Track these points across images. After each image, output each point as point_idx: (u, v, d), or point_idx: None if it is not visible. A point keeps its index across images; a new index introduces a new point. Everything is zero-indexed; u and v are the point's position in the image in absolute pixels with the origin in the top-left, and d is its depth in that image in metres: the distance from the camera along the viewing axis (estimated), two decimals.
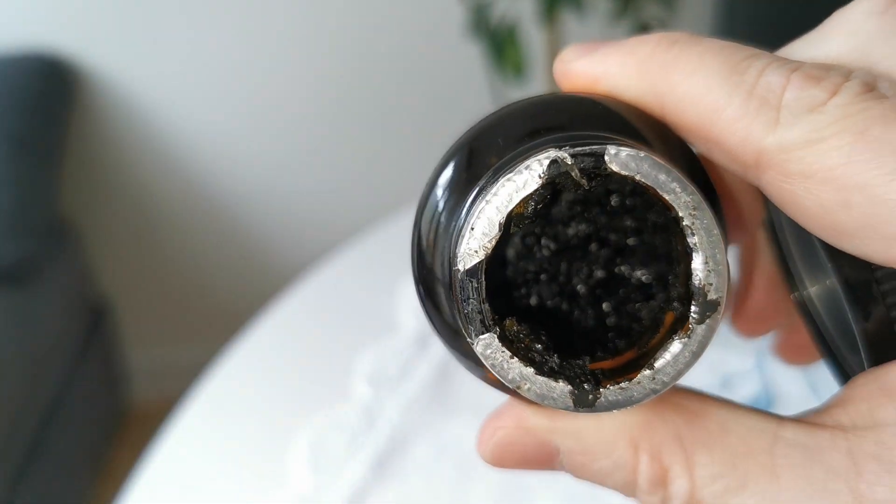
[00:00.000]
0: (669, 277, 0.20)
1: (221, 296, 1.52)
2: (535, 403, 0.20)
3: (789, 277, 0.26)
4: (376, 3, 1.31)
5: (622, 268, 0.22)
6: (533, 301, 0.22)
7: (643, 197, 0.20)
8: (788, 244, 0.26)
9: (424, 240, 0.22)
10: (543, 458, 0.22)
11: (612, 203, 0.22)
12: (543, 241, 0.22)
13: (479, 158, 0.22)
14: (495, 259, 0.21)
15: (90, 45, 1.28)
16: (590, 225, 0.22)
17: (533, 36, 1.19)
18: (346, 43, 1.34)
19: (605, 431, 0.21)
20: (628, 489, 0.21)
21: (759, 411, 0.21)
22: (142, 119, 1.35)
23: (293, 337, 0.76)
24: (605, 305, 0.22)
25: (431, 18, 1.31)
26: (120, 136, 1.36)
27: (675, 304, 0.20)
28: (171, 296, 1.53)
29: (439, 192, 0.22)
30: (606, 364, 0.21)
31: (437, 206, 0.22)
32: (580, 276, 0.22)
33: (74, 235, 1.32)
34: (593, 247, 0.22)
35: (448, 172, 0.22)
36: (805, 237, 0.24)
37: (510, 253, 0.22)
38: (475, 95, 1.29)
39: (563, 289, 0.22)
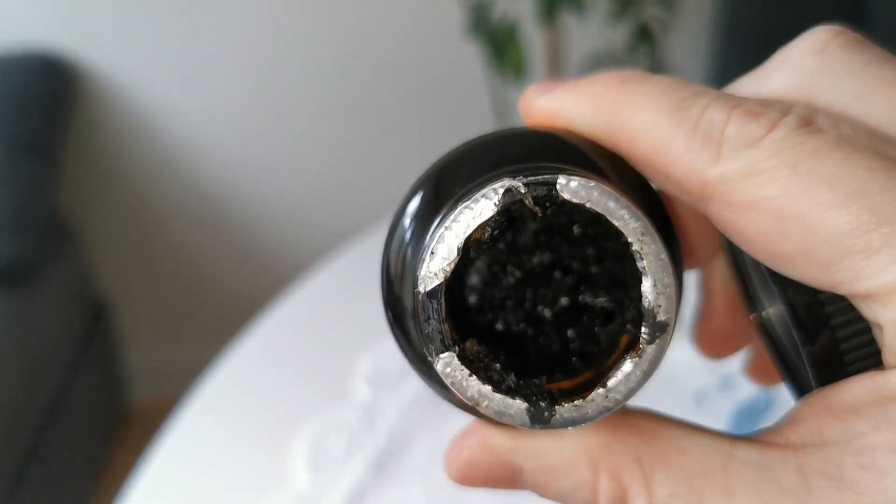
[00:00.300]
0: (625, 301, 0.21)
1: (221, 296, 1.52)
2: (497, 423, 0.21)
3: (749, 299, 0.27)
4: (376, 3, 1.31)
5: (584, 294, 0.23)
6: (498, 326, 0.23)
7: (602, 226, 0.21)
8: (746, 267, 0.27)
9: (392, 268, 0.24)
10: (507, 477, 0.23)
11: (574, 232, 0.23)
12: (508, 268, 0.23)
13: (443, 189, 0.23)
14: (458, 283, 0.23)
15: (90, 45, 1.28)
16: (553, 253, 0.23)
17: (533, 36, 1.19)
18: (346, 43, 1.34)
19: (566, 452, 0.22)
20: None
21: (714, 432, 0.22)
22: (142, 119, 1.35)
23: (293, 337, 0.76)
24: (567, 330, 0.23)
25: (431, 18, 1.31)
26: (120, 136, 1.36)
27: (629, 326, 0.21)
28: (171, 296, 1.53)
29: (406, 221, 0.24)
30: (564, 384, 0.21)
31: (404, 236, 0.23)
32: (543, 302, 0.23)
33: (74, 235, 1.32)
34: (556, 274, 0.23)
35: (415, 203, 0.24)
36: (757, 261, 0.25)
37: (476, 280, 0.24)
38: (475, 95, 1.29)
39: (526, 314, 0.23)
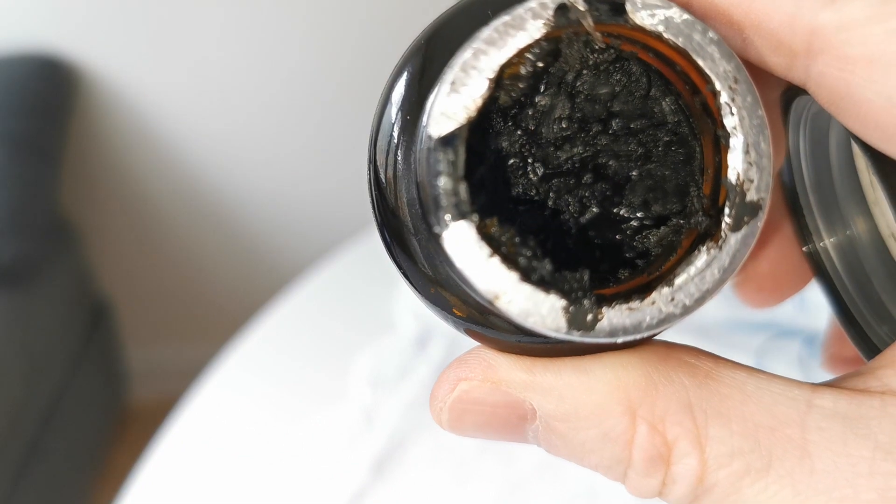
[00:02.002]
0: (690, 187, 0.16)
1: (221, 296, 1.52)
2: (507, 346, 0.16)
3: (803, 230, 0.23)
4: (376, 3, 1.31)
5: (643, 169, 0.17)
6: (525, 206, 0.18)
7: (674, 74, 0.16)
8: (806, 192, 0.23)
9: (383, 173, 0.18)
10: (513, 423, 0.18)
11: (639, 79, 0.17)
12: (547, 126, 0.17)
13: (447, 48, 0.17)
14: (478, 141, 0.16)
15: (90, 46, 1.28)
16: (608, 107, 0.17)
17: None
18: (345, 43, 1.34)
19: (596, 392, 0.17)
20: (617, 469, 0.17)
21: (785, 378, 0.17)
22: (142, 119, 1.35)
23: (292, 337, 0.76)
24: (617, 219, 0.18)
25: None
26: (120, 136, 1.36)
27: (699, 217, 0.16)
28: (171, 296, 1.53)
29: (394, 108, 0.18)
30: (609, 291, 0.16)
31: (393, 128, 0.18)
32: (588, 179, 0.18)
33: (74, 235, 1.32)
34: (608, 139, 0.17)
35: (405, 79, 0.18)
36: (825, 182, 0.21)
37: (502, 138, 0.17)
38: None
39: (564, 191, 0.18)
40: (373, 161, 0.18)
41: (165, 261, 1.49)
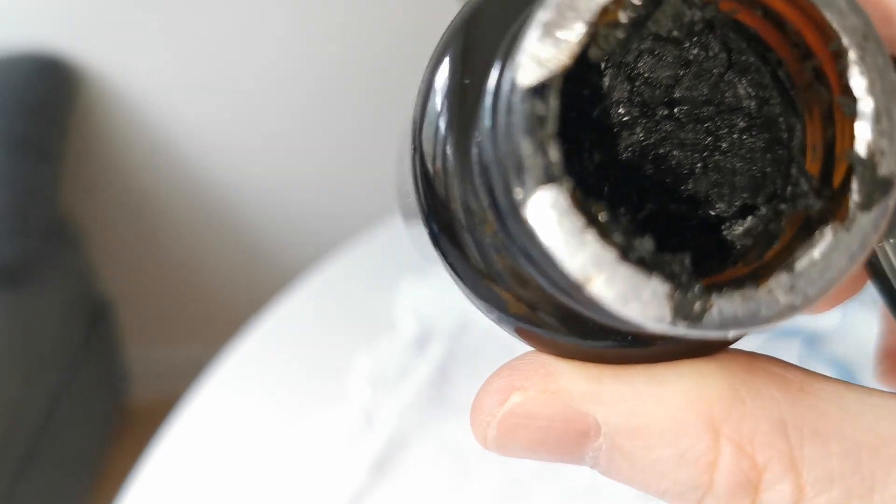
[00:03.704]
0: (791, 168, 0.14)
1: (221, 296, 1.52)
2: (568, 353, 0.14)
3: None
4: (376, 3, 1.31)
5: (750, 140, 0.15)
6: (615, 175, 0.16)
7: (793, 29, 0.14)
8: None
9: (430, 164, 0.16)
10: (571, 441, 0.15)
11: (754, 35, 0.15)
12: (643, 88, 0.16)
13: (509, 13, 0.15)
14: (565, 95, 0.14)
15: (90, 45, 1.28)
16: (718, 70, 0.15)
17: None
18: (345, 43, 1.34)
19: (672, 405, 0.14)
20: (691, 496, 0.15)
21: (884, 391, 0.15)
22: (142, 119, 1.35)
23: (292, 337, 0.76)
24: (720, 196, 0.16)
25: (430, 19, 1.31)
26: (120, 136, 1.36)
27: (809, 199, 0.14)
28: (171, 296, 1.53)
29: (442, 93, 0.16)
30: (711, 279, 0.14)
31: (441, 114, 0.16)
32: (686, 149, 0.16)
33: (74, 235, 1.32)
34: (713, 107, 0.16)
35: (452, 58, 0.16)
36: None
37: (597, 94, 0.15)
38: None
39: (662, 163, 0.16)
40: (419, 151, 0.17)
41: (165, 261, 1.49)
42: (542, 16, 0.13)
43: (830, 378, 0.15)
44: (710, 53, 0.15)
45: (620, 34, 0.13)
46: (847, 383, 0.15)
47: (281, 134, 1.41)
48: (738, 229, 0.15)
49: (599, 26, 0.13)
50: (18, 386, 1.07)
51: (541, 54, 0.13)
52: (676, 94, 0.16)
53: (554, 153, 0.13)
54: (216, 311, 1.47)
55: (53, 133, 1.20)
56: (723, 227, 0.16)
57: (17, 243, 1.08)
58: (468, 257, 0.16)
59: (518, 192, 0.13)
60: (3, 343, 1.05)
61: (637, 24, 0.14)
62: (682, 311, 0.13)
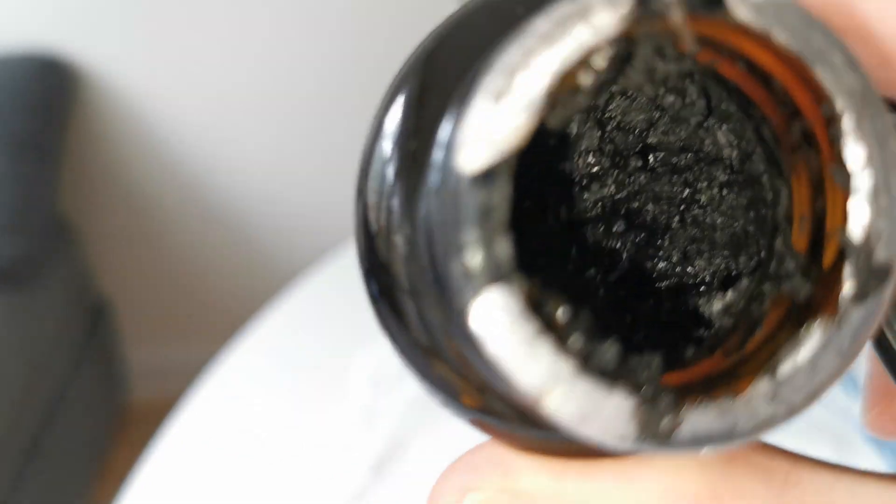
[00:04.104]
0: (775, 239, 0.13)
1: (221, 296, 1.51)
2: (531, 447, 0.13)
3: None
4: (375, 3, 1.31)
5: (727, 214, 0.14)
6: (572, 260, 0.14)
7: (782, 89, 0.12)
8: None
9: (374, 218, 0.14)
10: None
11: (735, 94, 0.13)
12: (609, 153, 0.14)
13: (467, 58, 0.13)
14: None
15: (90, 45, 1.28)
16: (692, 133, 0.14)
17: None
18: (345, 43, 1.34)
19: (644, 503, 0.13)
20: None
21: (877, 475, 0.14)
22: (142, 119, 1.35)
23: (293, 336, 0.76)
24: (685, 278, 0.14)
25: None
26: (120, 136, 1.36)
27: (797, 281, 0.12)
28: (171, 296, 1.53)
29: (391, 138, 0.14)
30: (672, 378, 0.12)
31: (389, 163, 0.14)
32: (608, 247, 0.14)
33: (74, 235, 1.32)
34: (690, 173, 0.14)
35: (406, 100, 0.14)
36: None
37: (557, 168, 0.14)
38: None
39: (577, 265, 0.14)
40: (362, 201, 0.15)
41: (165, 261, 1.49)
42: (489, 83, 0.11)
43: (819, 464, 0.13)
44: (687, 101, 0.14)
45: (583, 101, 0.11)
46: (836, 470, 0.13)
47: (281, 134, 1.41)
48: (718, 305, 0.14)
49: (559, 95, 0.11)
50: (19, 386, 1.07)
51: (488, 132, 0.11)
52: (651, 140, 0.14)
53: (503, 248, 0.11)
54: (216, 311, 1.47)
55: (53, 133, 1.20)
56: (701, 301, 0.14)
57: (17, 243, 1.08)
58: (411, 331, 0.15)
59: (461, 292, 0.11)
60: (3, 343, 1.05)
61: (602, 88, 0.12)
62: (648, 429, 0.11)
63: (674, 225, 0.14)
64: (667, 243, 0.14)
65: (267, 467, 0.65)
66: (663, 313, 0.14)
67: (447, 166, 0.11)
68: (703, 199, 0.14)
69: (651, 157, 0.14)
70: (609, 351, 0.11)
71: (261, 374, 0.73)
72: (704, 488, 0.13)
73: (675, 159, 0.14)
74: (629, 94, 0.14)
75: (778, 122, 0.12)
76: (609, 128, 0.14)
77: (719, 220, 0.14)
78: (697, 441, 0.11)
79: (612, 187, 0.14)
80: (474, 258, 0.11)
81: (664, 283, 0.14)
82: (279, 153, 1.42)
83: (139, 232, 1.46)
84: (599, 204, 0.14)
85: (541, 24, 0.11)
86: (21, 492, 1.06)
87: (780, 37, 0.11)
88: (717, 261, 0.14)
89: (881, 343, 0.18)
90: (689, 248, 0.14)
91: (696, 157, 0.14)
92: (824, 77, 0.11)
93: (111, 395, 1.41)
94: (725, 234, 0.13)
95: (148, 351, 1.54)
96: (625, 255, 0.14)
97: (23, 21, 1.26)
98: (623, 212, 0.14)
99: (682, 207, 0.14)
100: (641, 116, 0.14)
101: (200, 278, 1.51)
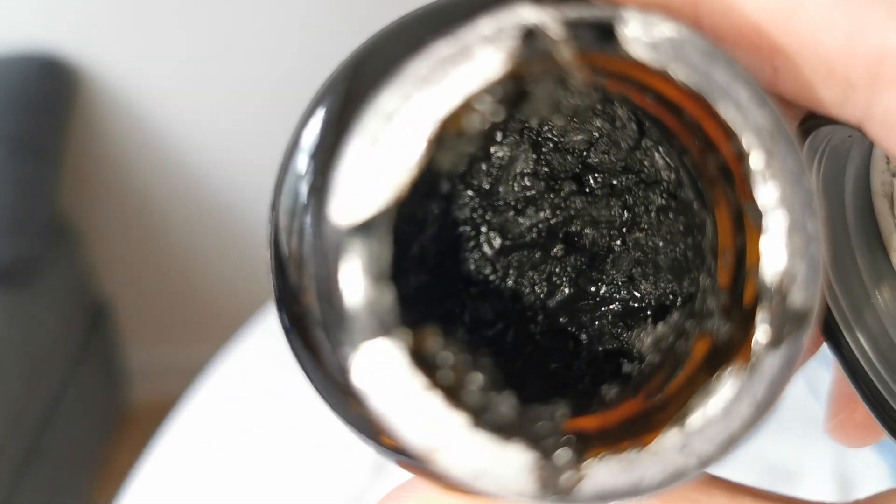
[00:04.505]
0: (700, 274, 0.12)
1: (221, 296, 1.51)
2: (456, 486, 0.11)
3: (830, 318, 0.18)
4: (375, 4, 1.31)
5: (634, 258, 0.13)
6: (474, 309, 0.13)
7: (685, 123, 0.11)
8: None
9: (286, 242, 0.13)
10: None
11: (631, 132, 0.12)
12: (504, 195, 0.13)
13: (372, 84, 0.11)
14: (403, 222, 0.11)
15: (90, 45, 1.28)
16: (588, 173, 0.13)
17: None
18: (345, 43, 1.34)
19: None
20: None
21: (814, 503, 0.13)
22: (142, 119, 1.35)
23: None
24: (596, 324, 0.13)
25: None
26: (120, 136, 1.36)
27: (716, 321, 0.11)
28: (171, 296, 1.53)
29: (303, 158, 0.13)
30: (588, 422, 0.12)
31: (301, 184, 0.13)
32: (556, 267, 0.13)
33: (74, 235, 1.32)
34: (588, 214, 0.13)
35: (319, 119, 0.13)
36: (840, 231, 0.16)
37: (431, 203, 0.13)
38: None
39: (524, 286, 0.13)
40: (274, 221, 0.14)
41: (165, 261, 1.49)
42: (366, 126, 0.10)
43: (760, 494, 0.12)
44: (618, 124, 0.13)
45: (469, 147, 0.10)
46: (780, 500, 0.12)
47: (281, 134, 1.40)
48: (649, 338, 0.13)
49: (447, 135, 0.10)
50: (19, 386, 1.07)
51: (364, 182, 0.10)
52: (592, 160, 0.13)
53: (386, 301, 0.10)
54: (215, 312, 1.47)
55: (53, 133, 1.21)
56: (635, 332, 0.13)
57: (17, 243, 1.08)
58: (324, 367, 0.13)
59: (342, 345, 0.10)
60: (4, 343, 1.05)
61: (492, 131, 0.11)
62: (548, 485, 0.10)
63: (616, 248, 0.13)
64: (610, 266, 0.13)
65: (267, 467, 0.65)
66: (605, 341, 0.13)
67: (322, 213, 0.10)
68: (643, 222, 0.13)
69: (591, 179, 0.13)
70: (505, 403, 0.10)
71: (261, 374, 0.73)
72: None
73: (615, 181, 0.13)
74: (565, 115, 0.13)
75: (697, 154, 0.12)
76: (545, 149, 0.13)
77: (661, 244, 0.13)
78: (601, 496, 0.10)
79: (548, 211, 0.13)
80: (357, 314, 0.10)
81: (609, 308, 0.13)
82: (279, 153, 1.42)
83: (139, 232, 1.46)
84: (536, 228, 0.13)
85: (418, 65, 0.10)
86: (21, 492, 1.06)
87: (679, 74, 0.10)
88: (662, 284, 0.13)
89: (842, 354, 0.17)
90: (633, 270, 0.13)
91: (636, 178, 0.13)
92: (727, 113, 0.10)
93: (111, 395, 1.42)
94: (668, 259, 0.13)
95: (148, 351, 1.54)
96: (566, 280, 0.13)
97: (23, 21, 1.26)
98: (561, 235, 0.13)
99: (623, 230, 0.13)
100: (580, 137, 0.13)
101: (200, 278, 1.51)
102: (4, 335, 1.05)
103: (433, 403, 0.10)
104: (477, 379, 0.11)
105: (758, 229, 0.11)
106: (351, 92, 0.13)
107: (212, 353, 0.76)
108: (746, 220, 0.11)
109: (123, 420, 1.44)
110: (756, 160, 0.10)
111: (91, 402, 1.32)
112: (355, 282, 0.10)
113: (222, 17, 1.29)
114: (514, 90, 0.10)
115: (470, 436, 0.10)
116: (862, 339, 0.17)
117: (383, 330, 0.10)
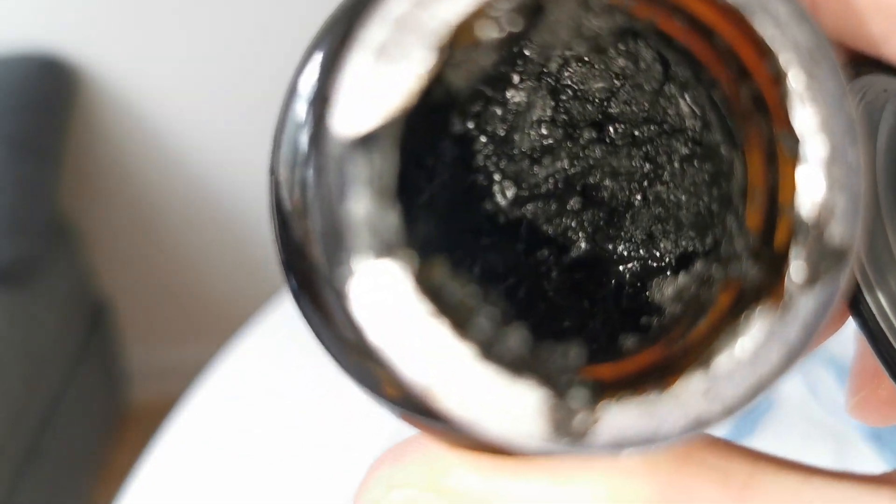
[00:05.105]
0: (726, 217, 0.11)
1: (221, 296, 1.52)
2: (460, 442, 0.11)
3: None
4: None
5: (658, 192, 0.12)
6: (485, 240, 0.12)
7: (681, 65, 0.10)
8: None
9: (287, 194, 0.12)
10: None
11: (658, 55, 0.11)
12: (506, 132, 0.12)
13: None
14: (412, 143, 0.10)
15: (90, 45, 1.28)
16: (610, 101, 0.12)
17: None
18: None
19: None
20: None
21: (853, 476, 0.12)
22: (141, 119, 1.35)
23: (292, 336, 0.76)
24: (618, 266, 0.12)
25: None
26: (120, 136, 1.36)
27: (744, 263, 0.10)
28: (171, 296, 1.53)
29: (303, 100, 0.12)
30: (605, 371, 0.11)
31: (301, 129, 0.12)
32: (564, 210, 0.12)
33: (74, 235, 1.32)
34: (608, 145, 0.12)
35: (320, 57, 0.13)
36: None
37: (446, 146, 0.12)
38: None
39: (532, 227, 0.12)
40: (274, 176, 0.13)
41: (165, 261, 1.49)
42: (372, 35, 0.09)
43: (784, 464, 0.12)
44: (642, 65, 0.12)
45: (483, 59, 0.10)
46: (807, 471, 0.12)
47: None
48: (670, 289, 0.12)
49: (457, 48, 0.09)
50: (19, 386, 1.07)
51: (369, 90, 0.09)
52: (613, 110, 0.12)
53: (391, 218, 0.09)
54: (216, 312, 1.47)
55: (53, 133, 1.21)
56: (656, 283, 0.12)
57: (17, 243, 1.08)
58: (332, 322, 0.12)
59: (339, 268, 0.09)
60: (4, 343, 1.05)
61: (508, 44, 0.10)
62: (559, 427, 0.09)
63: (636, 203, 0.12)
64: (629, 223, 0.12)
65: (267, 467, 0.65)
66: (623, 298, 0.12)
67: (324, 127, 0.10)
68: (666, 174, 0.12)
69: (611, 130, 0.12)
70: (517, 336, 0.09)
71: (261, 374, 0.73)
72: (653, 493, 0.11)
73: (636, 132, 0.12)
74: (586, 60, 0.12)
75: (727, 85, 0.10)
76: (564, 97, 0.12)
77: (684, 198, 0.12)
78: (617, 442, 0.10)
79: (566, 161, 0.12)
80: (357, 231, 0.09)
81: (626, 267, 0.12)
82: None
83: (139, 232, 1.46)
84: (552, 179, 0.12)
85: None
86: (21, 492, 1.06)
87: None
88: (684, 242, 0.12)
89: (863, 318, 0.16)
90: (653, 228, 0.12)
91: (659, 129, 0.12)
92: (765, 29, 0.09)
93: (111, 395, 1.42)
94: (691, 214, 0.12)
95: (148, 351, 1.54)
96: (582, 235, 0.12)
97: (23, 21, 1.26)
98: (579, 188, 0.12)
99: (644, 184, 0.12)
100: (601, 84, 0.12)
101: (200, 278, 1.51)
102: (4, 335, 1.05)
103: (439, 331, 0.09)
104: (487, 311, 0.10)
105: (794, 159, 0.10)
106: (351, 21, 0.11)
107: (212, 353, 0.76)
108: (780, 152, 0.10)
109: (123, 420, 1.44)
110: (795, 80, 0.09)
111: (91, 402, 1.32)
112: (357, 197, 0.09)
113: (222, 17, 1.29)
114: (533, 3, 0.09)
115: (477, 368, 0.09)
116: (884, 301, 0.16)
117: (387, 250, 0.09)
